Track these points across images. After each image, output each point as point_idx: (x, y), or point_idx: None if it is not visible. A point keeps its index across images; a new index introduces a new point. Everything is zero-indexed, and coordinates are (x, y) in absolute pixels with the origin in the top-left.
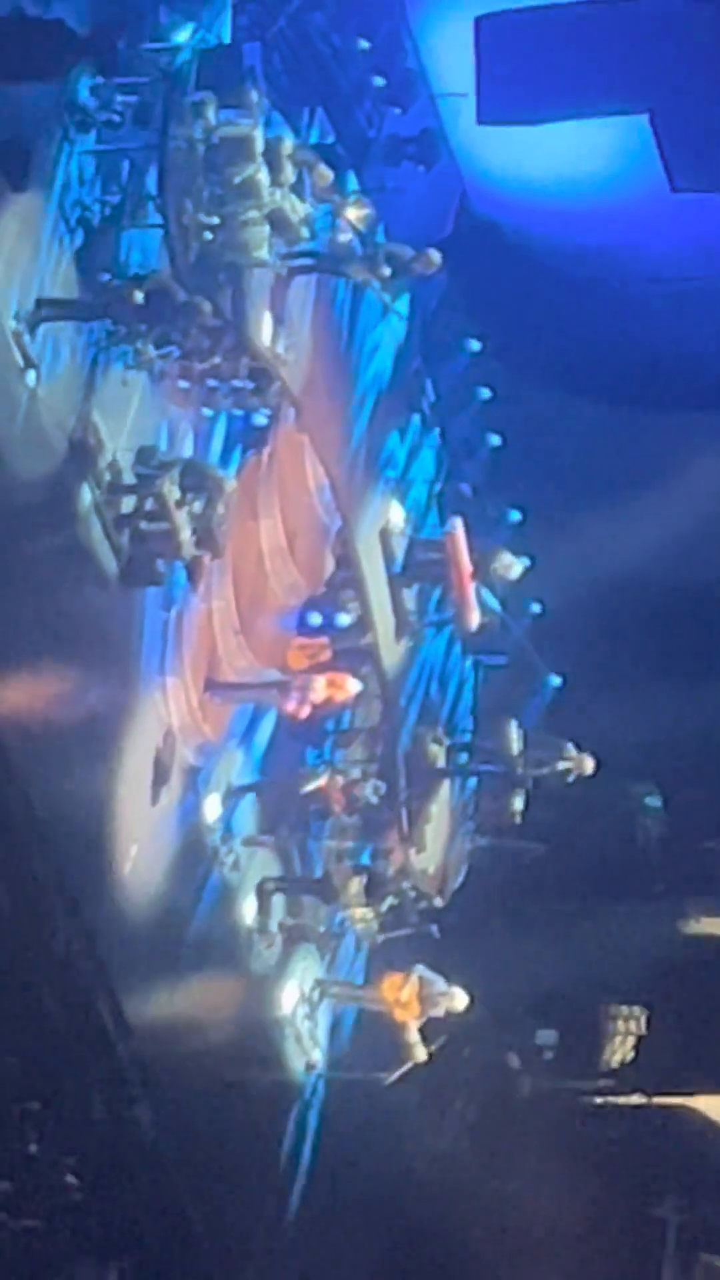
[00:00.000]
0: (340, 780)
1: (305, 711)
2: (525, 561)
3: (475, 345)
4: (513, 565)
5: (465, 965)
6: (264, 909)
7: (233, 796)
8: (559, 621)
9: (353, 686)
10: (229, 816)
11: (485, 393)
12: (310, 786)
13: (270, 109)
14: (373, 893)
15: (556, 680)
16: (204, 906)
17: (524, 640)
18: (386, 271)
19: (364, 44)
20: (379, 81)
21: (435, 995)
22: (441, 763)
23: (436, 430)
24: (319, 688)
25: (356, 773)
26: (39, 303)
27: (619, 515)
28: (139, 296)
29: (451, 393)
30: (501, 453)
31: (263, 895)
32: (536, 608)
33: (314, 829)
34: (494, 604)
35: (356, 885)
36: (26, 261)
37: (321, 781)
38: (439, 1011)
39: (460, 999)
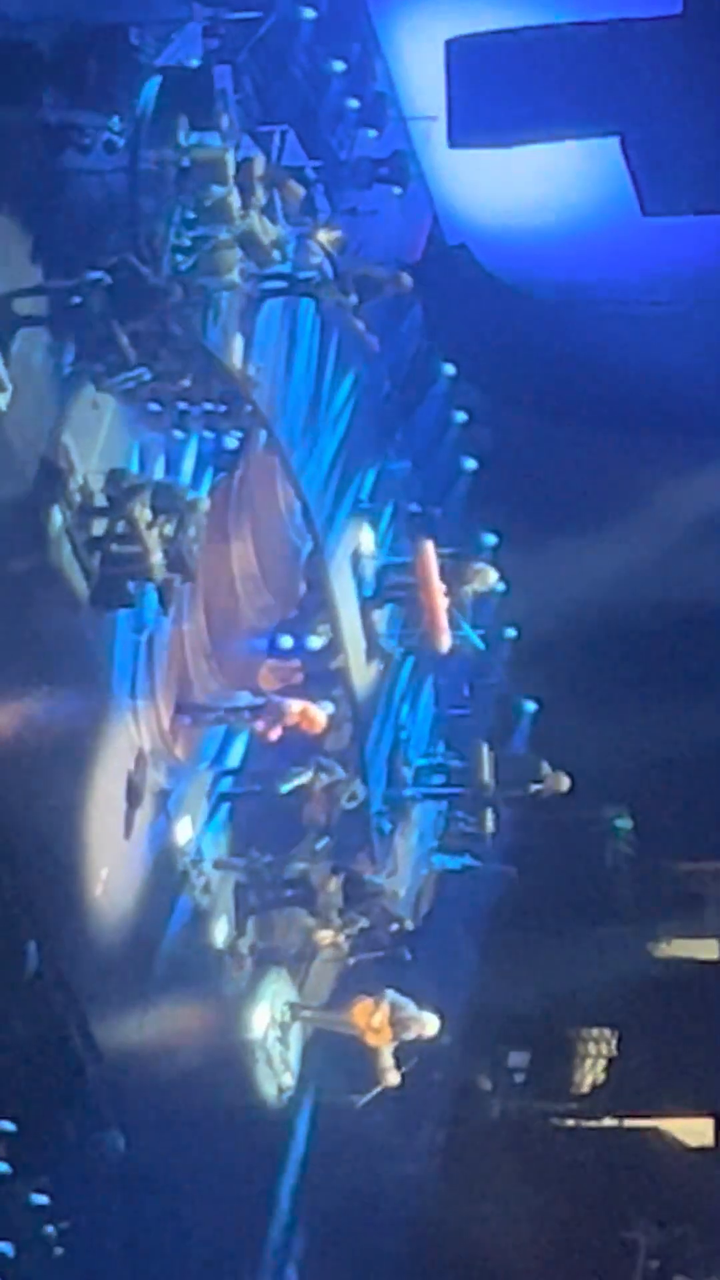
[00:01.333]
0: (324, 779)
1: (276, 734)
2: (491, 569)
3: (450, 370)
4: (484, 572)
5: (436, 989)
6: (238, 926)
7: (216, 803)
8: (531, 644)
9: (322, 720)
10: (200, 839)
11: (461, 417)
12: (293, 784)
13: (241, 132)
14: (351, 896)
15: (532, 706)
16: (175, 929)
17: (498, 665)
18: (358, 295)
19: (339, 65)
20: (352, 104)
21: (406, 1020)
22: (412, 785)
23: (409, 454)
24: (291, 711)
25: (341, 773)
26: (10, 321)
27: (593, 538)
28: (107, 279)
29: (425, 416)
30: (477, 477)
31: (239, 907)
32: (512, 632)
33: (285, 852)
34: (475, 640)
35: (335, 885)
36: None
37: (305, 780)
38: (410, 1036)
39: (431, 1023)
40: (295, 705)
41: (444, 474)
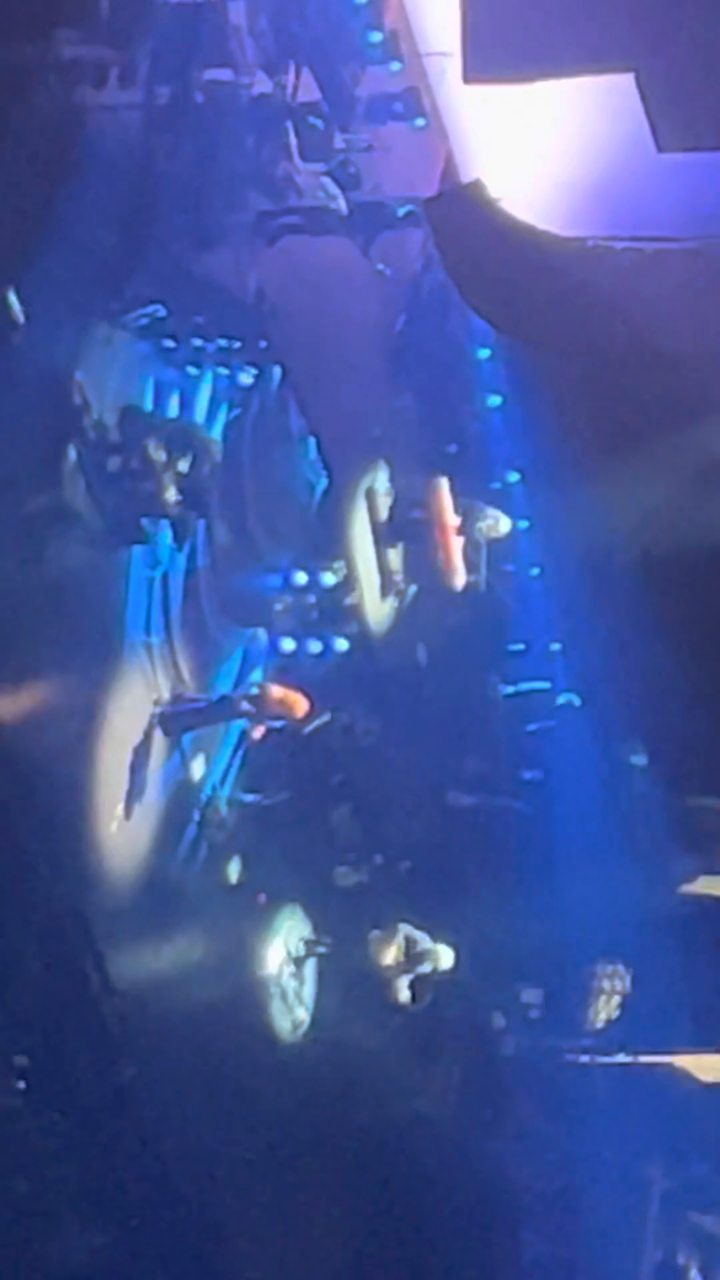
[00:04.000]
0: (345, 718)
1: (260, 732)
2: (505, 518)
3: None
4: (499, 522)
5: (450, 923)
6: (251, 867)
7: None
8: (547, 581)
9: (303, 705)
10: (215, 775)
11: (484, 353)
12: (314, 725)
13: (256, 67)
14: (367, 831)
15: (556, 646)
16: (190, 866)
17: (514, 604)
18: (373, 230)
19: None
20: (373, 38)
21: (421, 954)
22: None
23: (426, 389)
24: (272, 698)
25: (360, 716)
26: (23, 257)
27: (605, 477)
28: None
29: (444, 352)
30: (501, 413)
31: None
32: (535, 571)
33: (300, 788)
34: (499, 590)
35: (351, 820)
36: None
37: (326, 720)
38: (425, 969)
39: (446, 957)
40: (275, 691)
41: (465, 411)
